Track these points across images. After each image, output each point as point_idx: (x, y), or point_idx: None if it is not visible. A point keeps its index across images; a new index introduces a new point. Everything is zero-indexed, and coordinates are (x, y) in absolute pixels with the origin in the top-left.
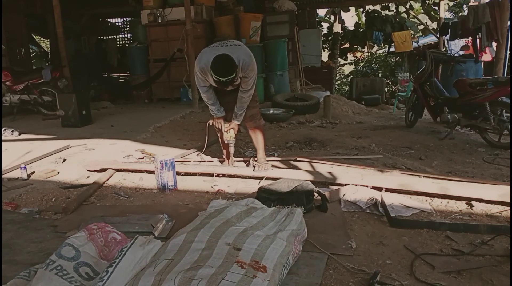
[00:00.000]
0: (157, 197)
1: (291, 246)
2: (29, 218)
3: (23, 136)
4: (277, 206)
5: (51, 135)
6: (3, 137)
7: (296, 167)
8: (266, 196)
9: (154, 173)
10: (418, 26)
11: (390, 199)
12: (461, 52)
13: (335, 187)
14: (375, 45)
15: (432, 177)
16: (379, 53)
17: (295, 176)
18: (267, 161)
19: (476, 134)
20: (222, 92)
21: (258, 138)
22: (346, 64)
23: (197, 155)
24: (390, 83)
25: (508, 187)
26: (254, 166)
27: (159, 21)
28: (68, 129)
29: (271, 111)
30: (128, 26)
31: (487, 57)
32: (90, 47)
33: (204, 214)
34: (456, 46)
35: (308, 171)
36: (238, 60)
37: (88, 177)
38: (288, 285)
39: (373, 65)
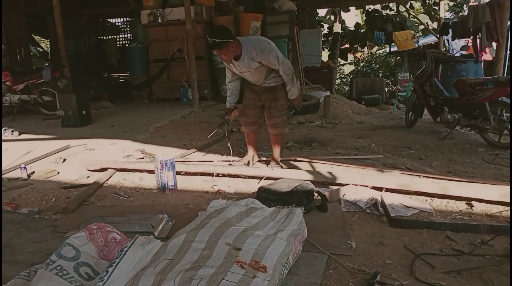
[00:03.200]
0: (157, 197)
1: (291, 246)
2: (29, 218)
3: (23, 136)
4: (277, 206)
5: (51, 135)
6: (3, 137)
7: (296, 167)
8: (266, 196)
9: (154, 173)
10: (419, 26)
11: (390, 199)
12: (463, 52)
13: (335, 187)
14: (376, 45)
15: (432, 177)
16: (379, 53)
17: (295, 176)
18: (280, 161)
19: (476, 134)
20: (249, 87)
21: (276, 142)
22: (346, 64)
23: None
24: (390, 83)
25: (508, 187)
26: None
27: (159, 21)
28: (68, 129)
29: None
30: (128, 26)
31: (487, 56)
32: (90, 47)
33: (204, 214)
34: (457, 46)
35: (308, 171)
36: (246, 47)
37: (88, 177)
38: (288, 285)
39: (373, 65)
